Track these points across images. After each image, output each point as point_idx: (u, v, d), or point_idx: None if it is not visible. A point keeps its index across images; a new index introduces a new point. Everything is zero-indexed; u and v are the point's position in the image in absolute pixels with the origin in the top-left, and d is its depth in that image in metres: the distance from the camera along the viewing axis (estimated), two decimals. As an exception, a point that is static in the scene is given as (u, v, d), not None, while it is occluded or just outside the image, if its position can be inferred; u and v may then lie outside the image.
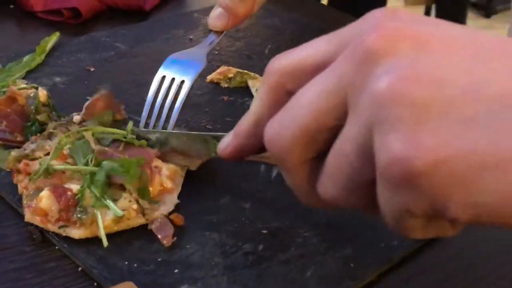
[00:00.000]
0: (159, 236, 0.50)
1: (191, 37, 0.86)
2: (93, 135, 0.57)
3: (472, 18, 3.48)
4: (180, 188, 0.55)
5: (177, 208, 0.53)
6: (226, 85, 0.75)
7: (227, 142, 0.43)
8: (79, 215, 0.50)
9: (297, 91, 0.37)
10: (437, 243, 0.53)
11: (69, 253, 0.49)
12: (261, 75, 0.76)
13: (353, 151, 0.32)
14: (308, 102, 0.34)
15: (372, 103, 0.31)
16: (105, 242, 0.49)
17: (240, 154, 0.43)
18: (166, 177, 0.54)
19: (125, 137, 0.57)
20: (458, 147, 0.29)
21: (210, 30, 0.68)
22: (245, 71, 0.76)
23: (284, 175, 0.38)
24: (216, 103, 0.71)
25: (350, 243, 0.51)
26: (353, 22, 0.36)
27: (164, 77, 0.63)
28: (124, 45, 0.82)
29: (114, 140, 0.57)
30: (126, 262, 0.48)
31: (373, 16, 0.35)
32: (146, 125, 0.61)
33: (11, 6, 0.93)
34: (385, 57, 0.32)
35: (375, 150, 0.31)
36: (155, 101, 0.62)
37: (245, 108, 0.70)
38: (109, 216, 0.50)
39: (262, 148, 0.40)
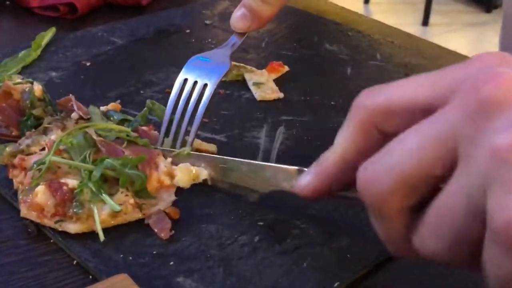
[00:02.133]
0: (156, 230, 0.50)
1: (188, 31, 0.86)
2: (95, 132, 0.56)
3: (473, 13, 3.47)
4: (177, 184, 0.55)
5: (173, 201, 0.53)
6: (223, 79, 0.74)
7: (309, 180, 0.41)
8: (75, 210, 0.49)
9: (390, 132, 0.35)
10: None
11: (64, 246, 0.49)
12: (258, 68, 0.76)
13: (462, 206, 0.31)
14: (413, 148, 0.33)
15: (491, 158, 0.29)
16: (101, 237, 0.49)
17: (322, 193, 0.41)
18: (164, 174, 0.54)
19: (128, 135, 0.56)
20: None
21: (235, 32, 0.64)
22: (242, 64, 0.76)
23: (374, 221, 0.37)
24: (212, 97, 0.70)
25: (347, 234, 0.51)
26: (458, 65, 0.34)
27: (186, 80, 0.60)
28: (121, 40, 0.82)
29: (118, 138, 0.56)
30: (122, 255, 0.48)
31: (483, 60, 0.33)
32: (168, 129, 0.58)
33: (7, 2, 0.93)
34: (505, 109, 0.30)
35: (489, 208, 0.29)
36: (177, 105, 0.59)
37: (241, 101, 0.70)
38: (105, 211, 0.50)
39: (346, 187, 0.39)
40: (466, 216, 0.31)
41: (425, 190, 0.33)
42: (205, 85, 0.59)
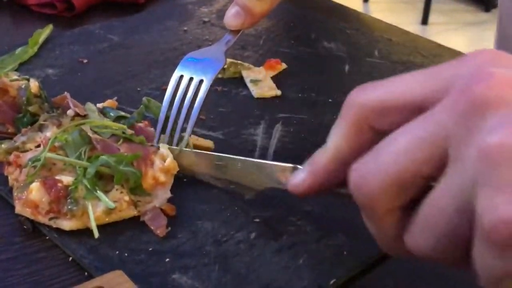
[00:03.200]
0: (152, 227, 0.50)
1: (185, 28, 0.86)
2: (91, 129, 0.56)
3: (472, 12, 3.47)
4: (172, 181, 0.54)
5: (169, 198, 0.53)
6: (220, 76, 0.74)
7: (302, 179, 0.41)
8: (69, 207, 0.49)
9: (382, 129, 0.35)
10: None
11: (59, 243, 0.49)
12: (255, 65, 0.76)
13: (452, 205, 0.31)
14: (403, 149, 0.32)
15: (481, 158, 0.29)
16: (96, 234, 0.48)
17: (315, 191, 0.41)
18: (159, 170, 0.53)
19: (123, 132, 0.56)
20: None
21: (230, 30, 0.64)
22: (239, 61, 0.76)
23: (366, 221, 0.37)
24: (208, 94, 0.70)
25: (343, 231, 0.51)
26: (451, 62, 0.34)
27: (181, 76, 0.59)
28: (118, 37, 0.82)
29: (113, 135, 0.56)
30: (117, 252, 0.48)
31: (475, 58, 0.33)
32: (164, 126, 0.58)
33: (5, 0, 0.92)
34: (496, 109, 0.29)
35: (479, 208, 0.29)
36: (173, 101, 0.59)
37: (238, 98, 0.70)
38: (100, 208, 0.50)
39: (339, 184, 0.39)
40: (456, 216, 0.31)
41: (416, 189, 0.33)
42: (201, 82, 0.59)
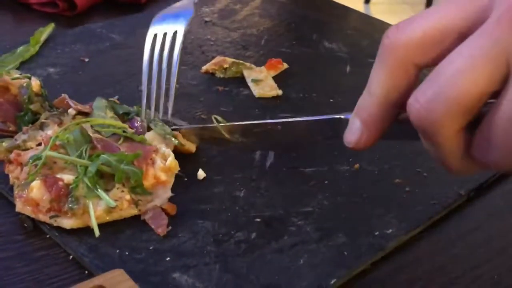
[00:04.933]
0: (153, 226, 0.50)
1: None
2: (92, 127, 0.56)
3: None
4: (173, 180, 0.54)
5: (170, 198, 0.53)
6: (221, 76, 0.74)
7: (359, 135, 0.39)
8: (70, 205, 0.49)
9: (427, 65, 0.35)
10: (430, 232, 0.53)
11: (60, 241, 0.48)
12: (257, 65, 0.75)
13: None
14: (462, 69, 0.32)
15: None
16: (97, 232, 0.48)
17: (375, 141, 0.40)
18: (160, 170, 0.53)
19: (124, 131, 0.56)
20: None
21: None
22: (241, 61, 0.76)
23: (430, 148, 0.36)
24: (211, 93, 0.71)
25: (343, 231, 0.51)
26: None
27: (156, 35, 0.62)
28: (119, 36, 0.82)
29: (114, 134, 0.56)
30: (118, 251, 0.48)
31: None
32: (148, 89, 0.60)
33: (6, -2, 0.92)
34: None
35: None
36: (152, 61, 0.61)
37: (240, 98, 0.70)
38: (101, 207, 0.50)
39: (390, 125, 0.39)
40: None
41: (480, 107, 0.33)
42: (175, 33, 0.61)
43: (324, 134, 0.48)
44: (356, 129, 0.39)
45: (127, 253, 0.47)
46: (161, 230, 0.50)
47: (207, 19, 0.88)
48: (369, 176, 0.58)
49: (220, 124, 0.54)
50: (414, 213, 0.53)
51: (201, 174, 0.56)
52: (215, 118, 0.54)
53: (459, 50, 0.33)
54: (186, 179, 0.56)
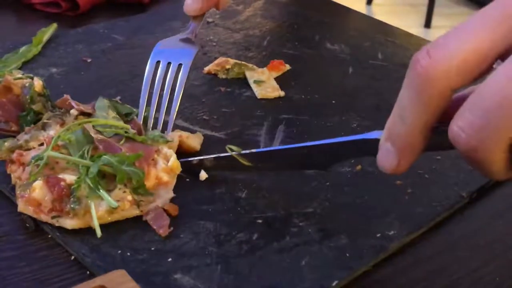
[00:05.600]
0: (155, 227, 0.50)
1: (189, 29, 0.86)
2: (93, 127, 0.56)
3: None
4: (175, 181, 0.54)
5: (171, 198, 0.53)
6: (223, 76, 0.74)
7: (395, 163, 0.39)
8: (72, 206, 0.49)
9: (464, 85, 0.34)
10: (432, 234, 0.53)
11: (62, 242, 0.49)
12: (259, 66, 0.76)
13: None
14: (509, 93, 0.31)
15: None
16: (98, 233, 0.48)
17: (410, 166, 0.39)
18: (162, 170, 0.53)
19: (126, 132, 0.56)
20: None
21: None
22: (243, 62, 0.76)
23: (474, 166, 0.36)
24: (213, 94, 0.71)
25: (345, 232, 0.51)
26: (497, 1, 0.33)
27: (158, 62, 0.62)
28: (122, 37, 0.82)
29: (116, 134, 0.56)
30: (119, 251, 0.48)
31: None
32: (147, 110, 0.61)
33: (9, -2, 0.93)
34: None
35: None
36: (152, 89, 0.61)
37: (242, 99, 0.70)
38: (103, 207, 0.50)
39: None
40: None
41: None
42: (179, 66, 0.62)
43: (350, 155, 0.49)
44: (391, 156, 0.39)
45: (128, 253, 0.48)
46: (163, 231, 0.50)
47: (209, 19, 0.88)
48: (371, 178, 0.58)
49: (234, 153, 0.54)
50: (415, 215, 0.53)
51: (203, 175, 0.56)
52: (230, 148, 0.54)
53: (501, 71, 0.32)
54: (188, 179, 0.56)
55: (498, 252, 0.52)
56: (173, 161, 0.54)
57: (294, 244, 0.49)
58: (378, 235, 0.50)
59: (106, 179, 0.51)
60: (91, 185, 0.50)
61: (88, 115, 0.59)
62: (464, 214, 0.55)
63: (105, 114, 0.59)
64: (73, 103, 0.59)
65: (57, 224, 0.49)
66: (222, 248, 0.48)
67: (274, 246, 0.49)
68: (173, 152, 0.55)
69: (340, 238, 0.50)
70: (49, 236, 0.49)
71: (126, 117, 0.60)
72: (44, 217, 0.50)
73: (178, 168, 0.54)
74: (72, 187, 0.50)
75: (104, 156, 0.51)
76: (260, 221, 0.52)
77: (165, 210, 0.51)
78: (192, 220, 0.51)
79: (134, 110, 0.61)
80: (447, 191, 0.56)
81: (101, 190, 0.50)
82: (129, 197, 0.51)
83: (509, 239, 0.53)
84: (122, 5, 0.93)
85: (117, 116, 0.59)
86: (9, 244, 0.48)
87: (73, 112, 0.59)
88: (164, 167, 0.53)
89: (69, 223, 0.49)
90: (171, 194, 0.53)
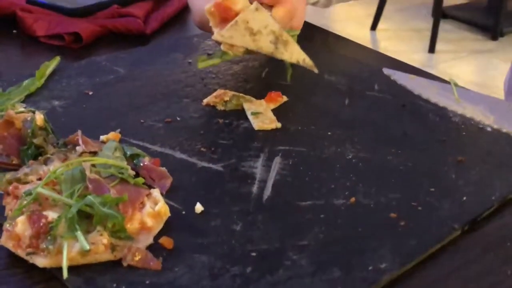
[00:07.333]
0: (146, 267, 0.50)
1: (190, 60, 0.87)
2: (94, 166, 0.56)
3: (479, 41, 3.48)
4: (161, 226, 0.54)
5: (166, 231, 0.54)
6: (222, 108, 0.75)
7: None
8: (46, 244, 0.49)
9: None
10: (424, 266, 0.53)
11: (58, 275, 0.49)
12: (258, 98, 0.77)
13: None
14: None
15: None
16: (65, 275, 0.48)
17: None
18: (148, 215, 0.53)
19: (121, 173, 0.56)
20: None
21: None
22: (241, 94, 0.77)
23: None
24: (211, 126, 0.72)
25: (338, 266, 0.51)
26: None
27: None
28: (124, 69, 0.84)
29: (113, 174, 0.56)
30: (115, 284, 0.48)
31: None
32: None
33: (14, 31, 0.95)
34: None
35: None
36: None
37: (239, 130, 0.71)
38: (76, 248, 0.49)
39: None
40: None
41: None
42: None
43: None
44: None
45: (124, 286, 0.48)
46: (155, 266, 0.50)
47: (209, 52, 0.90)
48: (365, 210, 0.58)
49: None
50: (408, 247, 0.54)
51: (198, 207, 0.57)
52: None
53: None
54: (184, 212, 0.57)
55: (490, 284, 0.52)
56: (161, 205, 0.54)
57: (287, 277, 0.50)
58: (370, 268, 0.51)
59: (90, 220, 0.51)
60: (68, 224, 0.50)
61: (94, 153, 0.60)
62: (456, 247, 0.56)
63: (110, 154, 0.59)
64: (80, 141, 0.60)
65: (30, 261, 0.49)
66: (215, 282, 0.49)
67: (267, 279, 0.50)
68: (161, 197, 0.55)
69: (333, 271, 0.51)
70: (46, 269, 0.50)
71: (132, 159, 0.61)
72: (20, 253, 0.49)
73: (166, 213, 0.54)
74: (50, 225, 0.50)
75: (89, 197, 0.51)
76: (254, 254, 0.52)
77: (160, 244, 0.52)
78: (187, 253, 0.52)
79: (139, 151, 0.61)
80: (439, 224, 0.57)
81: (78, 231, 0.49)
82: (105, 241, 0.50)
83: (501, 271, 0.53)
84: (124, 38, 0.95)
85: (122, 156, 0.60)
86: (8, 278, 0.49)
87: (78, 149, 0.60)
88: (151, 212, 0.53)
89: (41, 261, 0.49)
90: (150, 240, 0.52)
